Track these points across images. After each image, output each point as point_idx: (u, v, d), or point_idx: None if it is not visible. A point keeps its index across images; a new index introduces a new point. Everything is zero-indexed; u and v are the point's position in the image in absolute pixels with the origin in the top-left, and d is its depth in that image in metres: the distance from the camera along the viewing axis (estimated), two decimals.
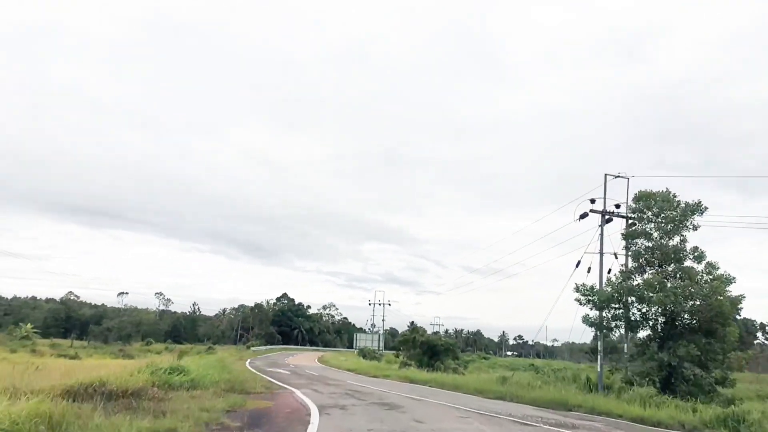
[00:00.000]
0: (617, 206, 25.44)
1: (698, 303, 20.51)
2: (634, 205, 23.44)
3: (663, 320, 21.66)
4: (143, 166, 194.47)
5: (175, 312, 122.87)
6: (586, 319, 23.01)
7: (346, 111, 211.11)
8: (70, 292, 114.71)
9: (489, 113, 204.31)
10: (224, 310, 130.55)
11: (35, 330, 66.07)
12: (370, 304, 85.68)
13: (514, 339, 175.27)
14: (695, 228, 22.06)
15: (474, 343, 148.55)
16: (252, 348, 67.98)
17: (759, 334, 66.03)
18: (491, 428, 10.82)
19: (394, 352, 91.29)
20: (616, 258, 25.04)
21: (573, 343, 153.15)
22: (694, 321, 20.82)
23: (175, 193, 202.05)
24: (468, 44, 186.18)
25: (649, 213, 22.94)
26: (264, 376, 24.32)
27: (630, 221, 24.91)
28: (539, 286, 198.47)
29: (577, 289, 23.05)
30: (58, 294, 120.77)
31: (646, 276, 22.50)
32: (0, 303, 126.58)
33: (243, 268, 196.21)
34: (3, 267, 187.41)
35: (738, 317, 25.05)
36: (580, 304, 23.15)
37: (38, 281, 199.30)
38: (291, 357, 57.40)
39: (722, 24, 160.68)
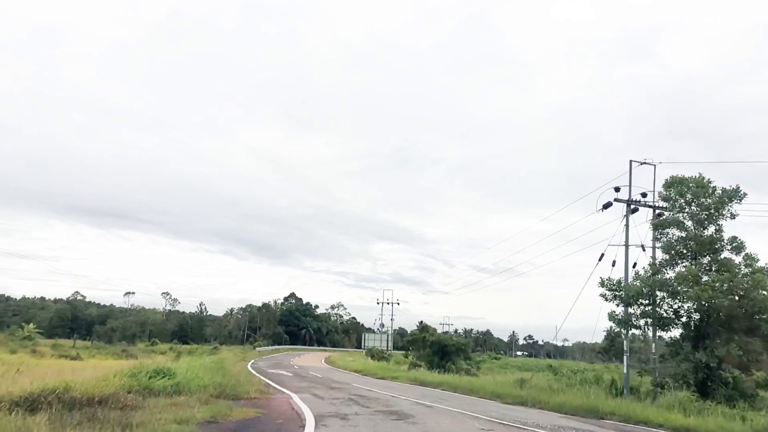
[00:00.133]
0: (643, 195, 23.58)
1: (737, 298, 18.58)
2: (664, 192, 21.49)
3: (698, 317, 19.72)
4: (153, 167, 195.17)
5: (183, 312, 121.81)
6: (612, 317, 21.10)
7: (356, 111, 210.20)
8: (77, 292, 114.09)
9: (499, 112, 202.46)
10: (231, 310, 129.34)
11: (38, 330, 65.01)
12: (378, 303, 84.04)
13: (524, 339, 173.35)
14: (733, 216, 20.06)
15: (483, 343, 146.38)
16: (257, 348, 66.46)
17: None
18: None
19: (402, 352, 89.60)
20: (644, 250, 23.14)
21: (584, 342, 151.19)
22: (733, 318, 18.89)
23: (185, 193, 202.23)
24: (478, 43, 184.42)
25: (681, 200, 21.01)
26: (263, 378, 22.64)
27: (657, 211, 23.07)
28: (548, 285, 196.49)
29: (602, 284, 21.15)
30: (67, 295, 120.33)
31: (678, 269, 20.61)
32: (9, 303, 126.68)
33: (252, 268, 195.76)
34: (14, 268, 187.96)
35: None
36: (606, 299, 21.25)
37: (49, 282, 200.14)
38: (297, 357, 55.78)
39: (733, 20, 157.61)
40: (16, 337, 60.10)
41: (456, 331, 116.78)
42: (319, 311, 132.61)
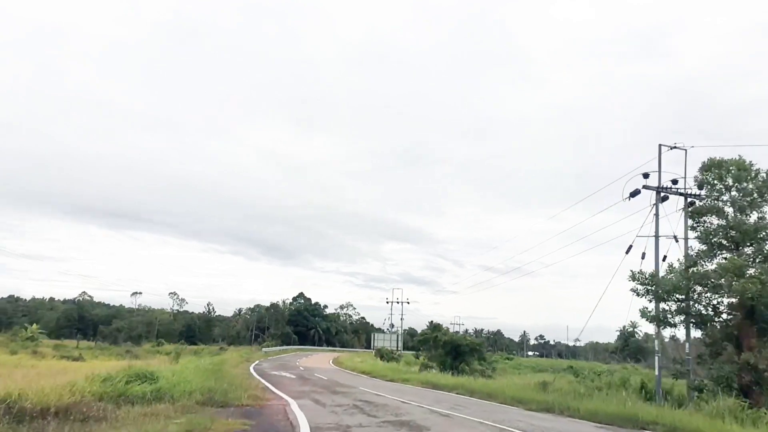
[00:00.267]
0: (674, 182, 21.62)
1: None
2: (700, 177, 19.55)
3: (741, 314, 17.76)
4: (163, 168, 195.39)
5: (192, 312, 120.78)
6: (645, 313, 19.17)
7: (365, 111, 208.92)
8: (84, 292, 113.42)
9: (508, 111, 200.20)
10: (240, 310, 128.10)
11: (42, 331, 64.01)
12: (388, 303, 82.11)
13: (535, 339, 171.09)
14: None
15: (494, 343, 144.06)
16: (264, 349, 64.93)
17: None
18: None
19: (413, 352, 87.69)
20: (677, 241, 21.17)
21: (597, 342, 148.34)
22: None
23: (195, 194, 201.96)
24: (486, 42, 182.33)
25: (720, 185, 19.06)
26: (263, 381, 20.96)
27: (689, 199, 21.15)
28: (559, 284, 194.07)
29: (633, 278, 19.26)
30: (77, 295, 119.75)
31: (717, 260, 18.67)
32: (18, 304, 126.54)
33: (262, 268, 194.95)
34: (25, 269, 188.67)
35: None
36: (637, 295, 19.35)
37: (59, 283, 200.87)
38: (304, 358, 54.16)
39: (737, 19, 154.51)
40: (19, 338, 59.08)
41: (466, 331, 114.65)
42: (328, 311, 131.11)
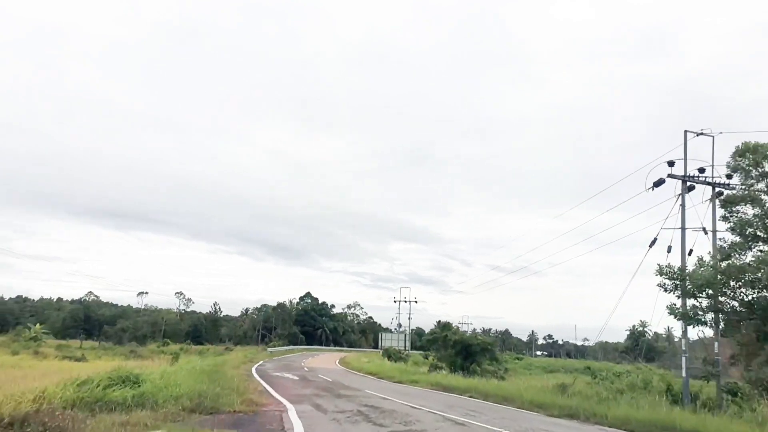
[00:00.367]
0: (701, 170, 20.18)
1: None
2: (733, 163, 18.07)
3: None
4: (169, 169, 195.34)
5: (199, 312, 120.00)
6: (673, 310, 17.71)
7: (370, 110, 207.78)
8: (90, 292, 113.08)
9: (513, 110, 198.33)
10: (246, 310, 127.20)
11: (45, 331, 63.30)
12: (395, 302, 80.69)
13: (543, 338, 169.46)
14: None
15: (503, 342, 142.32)
16: (269, 349, 63.79)
17: None
18: None
19: (420, 352, 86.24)
20: (706, 233, 19.72)
21: (606, 342, 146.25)
22: None
23: (201, 195, 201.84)
24: (487, 42, 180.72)
25: (756, 172, 17.58)
26: (263, 383, 19.71)
27: (717, 189, 19.74)
28: (567, 284, 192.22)
29: (660, 272, 17.84)
30: (85, 296, 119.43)
31: (752, 253, 17.22)
32: (26, 304, 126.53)
33: (269, 269, 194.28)
34: (34, 270, 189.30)
35: None
36: (665, 290, 17.93)
37: (68, 283, 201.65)
38: (310, 358, 52.93)
39: (745, 16, 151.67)
40: (23, 338, 58.36)
41: (474, 330, 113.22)
42: (335, 311, 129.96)
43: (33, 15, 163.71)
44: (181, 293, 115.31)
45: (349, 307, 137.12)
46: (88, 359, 43.03)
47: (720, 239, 18.32)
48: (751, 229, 17.14)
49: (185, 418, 10.39)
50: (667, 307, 18.06)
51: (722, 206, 18.20)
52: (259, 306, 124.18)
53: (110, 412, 10.05)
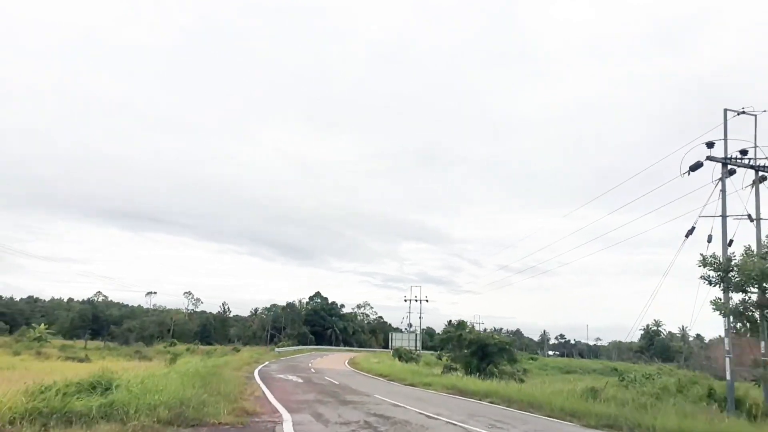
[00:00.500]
0: (743, 152, 18.25)
1: None
2: None
3: None
4: (182, 170, 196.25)
5: (208, 312, 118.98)
6: (718, 305, 15.78)
7: (381, 110, 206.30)
8: (99, 292, 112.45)
9: (524, 109, 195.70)
10: (256, 310, 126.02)
11: (50, 331, 62.44)
12: (406, 301, 78.94)
13: (555, 338, 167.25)
14: None
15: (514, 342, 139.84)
16: (277, 349, 62.27)
17: None
18: None
19: (431, 352, 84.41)
20: (752, 220, 17.76)
21: (620, 341, 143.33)
22: None
23: (213, 196, 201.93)
24: (502, 40, 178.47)
25: None
26: (262, 386, 18.02)
27: (761, 173, 17.80)
28: (578, 283, 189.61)
29: (704, 263, 15.94)
30: (97, 296, 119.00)
31: None
32: (37, 305, 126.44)
33: (279, 269, 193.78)
34: (47, 271, 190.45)
35: None
36: (710, 283, 16.02)
37: (81, 284, 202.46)
38: (318, 359, 51.31)
39: (764, 11, 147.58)
40: (27, 338, 57.45)
41: (485, 330, 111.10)
42: (345, 311, 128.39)
43: (49, 20, 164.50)
44: (189, 293, 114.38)
45: (358, 306, 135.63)
46: (92, 360, 41.84)
47: None
48: None
49: None
50: (711, 302, 16.15)
51: None
52: (268, 306, 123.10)
53: (67, 427, 8.40)
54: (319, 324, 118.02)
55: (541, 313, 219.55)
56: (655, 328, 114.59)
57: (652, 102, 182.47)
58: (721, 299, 15.98)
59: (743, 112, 19.04)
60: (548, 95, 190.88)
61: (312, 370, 31.42)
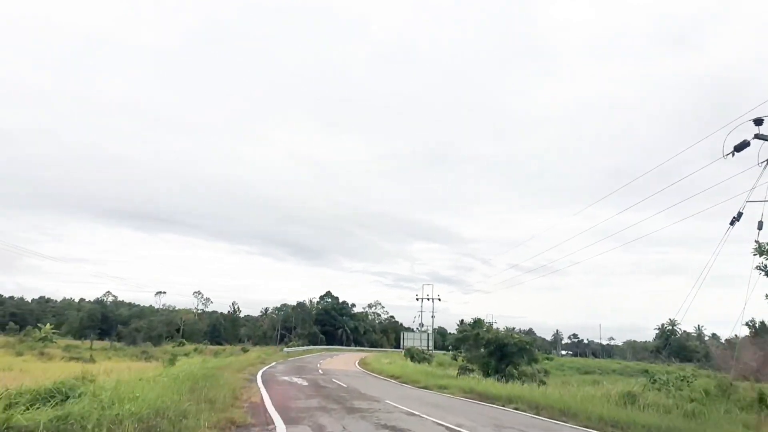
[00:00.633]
0: None
1: None
2: None
3: None
4: (193, 171, 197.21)
5: (220, 312, 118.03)
6: None
7: (391, 111, 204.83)
8: (108, 292, 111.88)
9: (535, 108, 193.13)
10: (266, 310, 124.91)
11: (55, 331, 61.53)
12: (418, 299, 77.01)
13: (568, 337, 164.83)
14: None
15: None
16: (285, 349, 60.75)
17: None
18: None
19: (443, 352, 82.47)
20: None
21: (635, 341, 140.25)
22: None
23: (224, 196, 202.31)
24: (512, 39, 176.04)
25: None
26: (262, 391, 16.34)
27: None
28: (591, 283, 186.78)
29: (759, 251, 14.06)
30: (108, 296, 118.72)
31: None
32: (48, 305, 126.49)
33: (290, 269, 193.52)
34: (60, 271, 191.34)
35: None
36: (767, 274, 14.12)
37: (93, 285, 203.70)
38: (328, 359, 49.70)
39: None
40: (32, 338, 56.52)
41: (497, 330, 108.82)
42: (356, 310, 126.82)
43: (62, 23, 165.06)
44: (199, 293, 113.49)
45: (370, 306, 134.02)
46: (97, 360, 40.63)
47: None
48: None
49: None
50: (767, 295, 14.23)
51: None
52: (279, 306, 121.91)
53: None
54: (330, 324, 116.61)
55: (553, 313, 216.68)
56: (670, 327, 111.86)
57: (663, 100, 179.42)
58: None
59: None
60: (558, 94, 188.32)
61: (320, 371, 29.77)
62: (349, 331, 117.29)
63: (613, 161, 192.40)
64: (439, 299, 76.07)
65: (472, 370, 27.35)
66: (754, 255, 14.10)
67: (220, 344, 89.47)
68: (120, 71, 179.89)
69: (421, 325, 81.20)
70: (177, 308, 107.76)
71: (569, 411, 13.43)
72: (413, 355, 46.62)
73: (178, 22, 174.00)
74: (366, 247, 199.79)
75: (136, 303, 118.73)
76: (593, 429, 11.46)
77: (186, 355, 49.19)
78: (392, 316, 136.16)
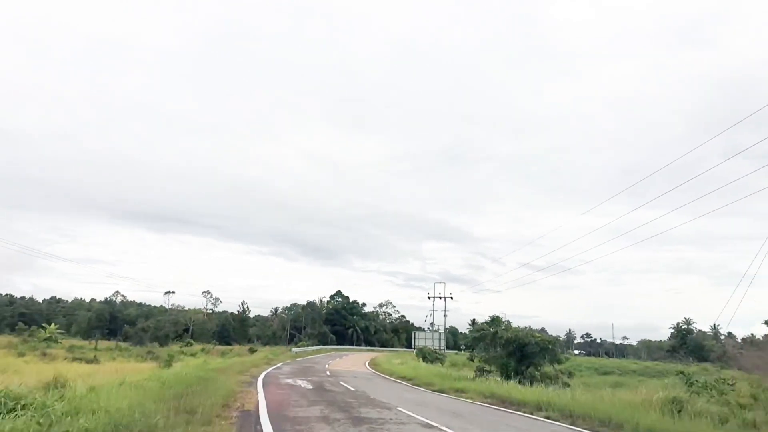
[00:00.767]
0: None
1: None
2: None
3: None
4: (209, 172, 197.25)
5: (229, 312, 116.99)
6: None
7: (406, 110, 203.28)
8: (117, 292, 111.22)
9: (550, 106, 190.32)
10: (276, 309, 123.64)
11: (60, 331, 60.55)
12: (429, 298, 75.07)
13: (581, 337, 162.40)
14: None
15: None
16: (294, 349, 59.22)
17: None
18: None
19: (455, 351, 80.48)
20: None
21: (650, 340, 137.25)
22: None
23: (239, 197, 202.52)
24: (527, 37, 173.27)
25: None
26: (260, 395, 14.64)
27: None
28: (604, 282, 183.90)
29: None
30: (120, 296, 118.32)
31: None
32: (59, 305, 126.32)
33: (303, 269, 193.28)
34: (77, 273, 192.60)
35: None
36: None
37: (108, 286, 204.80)
38: (337, 359, 48.08)
39: None
40: (37, 338, 55.50)
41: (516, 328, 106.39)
42: (366, 309, 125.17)
43: (81, 26, 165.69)
44: (208, 292, 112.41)
45: (380, 305, 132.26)
46: (101, 361, 39.34)
47: None
48: None
49: None
50: None
51: None
52: (289, 305, 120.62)
53: None
54: (340, 323, 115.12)
55: (566, 312, 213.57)
56: (685, 326, 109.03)
57: (677, 97, 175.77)
58: None
59: None
60: (572, 92, 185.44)
61: (327, 372, 28.10)
62: (359, 331, 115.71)
63: (627, 159, 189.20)
64: (452, 297, 74.00)
65: (489, 372, 25.55)
66: None
67: (229, 344, 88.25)
68: (137, 74, 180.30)
69: (432, 324, 79.31)
70: (186, 308, 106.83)
71: (611, 421, 11.60)
72: (425, 355, 44.85)
73: (195, 25, 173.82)
74: (378, 246, 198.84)
75: (146, 303, 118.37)
76: None
77: (193, 355, 47.84)
78: (403, 316, 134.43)
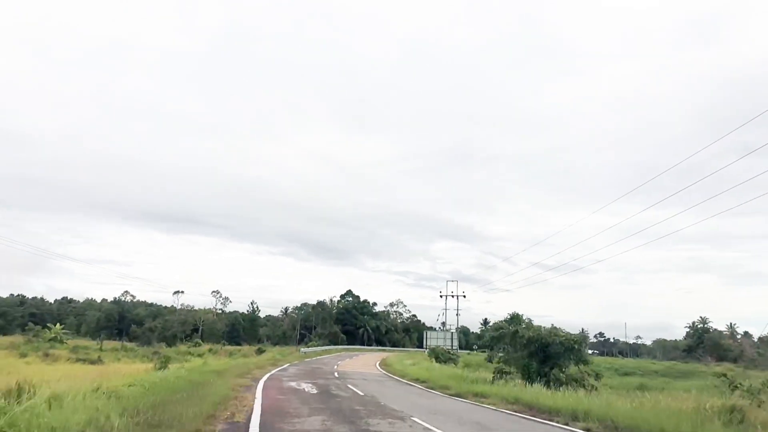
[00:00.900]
0: None
1: None
2: None
3: None
4: (218, 173, 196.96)
5: (239, 312, 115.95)
6: None
7: (415, 109, 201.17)
8: (126, 292, 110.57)
9: (560, 105, 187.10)
10: (286, 309, 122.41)
11: (65, 331, 59.60)
12: (441, 296, 73.07)
13: (594, 336, 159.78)
14: None
15: None
16: (303, 349, 57.69)
17: None
18: None
19: (467, 351, 78.63)
20: None
21: (665, 340, 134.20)
22: None
23: (249, 197, 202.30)
24: (536, 34, 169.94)
25: None
26: (257, 402, 12.95)
27: None
28: (617, 281, 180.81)
29: None
30: (131, 296, 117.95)
31: None
32: (70, 305, 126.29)
33: (314, 269, 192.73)
34: (88, 273, 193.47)
35: None
36: None
37: (119, 286, 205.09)
38: (347, 360, 46.44)
39: None
40: (42, 339, 54.56)
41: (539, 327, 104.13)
42: (377, 309, 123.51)
43: (88, 27, 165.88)
44: (217, 292, 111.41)
45: (391, 305, 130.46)
46: (105, 362, 38.11)
47: None
48: None
49: None
50: None
51: None
52: (299, 305, 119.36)
53: None
54: (351, 323, 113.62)
55: (578, 311, 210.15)
56: (701, 325, 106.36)
57: (686, 96, 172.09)
58: None
59: None
60: (581, 90, 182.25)
61: (335, 374, 26.43)
62: (370, 331, 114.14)
63: (638, 158, 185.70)
64: (464, 296, 72.01)
65: (509, 373, 23.72)
66: None
67: (239, 344, 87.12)
68: (144, 75, 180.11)
69: (444, 323, 77.45)
70: (196, 308, 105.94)
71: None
72: (438, 355, 43.05)
73: (200, 25, 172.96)
74: (389, 246, 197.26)
75: (156, 302, 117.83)
76: None
77: (200, 355, 46.53)
78: (414, 315, 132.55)
